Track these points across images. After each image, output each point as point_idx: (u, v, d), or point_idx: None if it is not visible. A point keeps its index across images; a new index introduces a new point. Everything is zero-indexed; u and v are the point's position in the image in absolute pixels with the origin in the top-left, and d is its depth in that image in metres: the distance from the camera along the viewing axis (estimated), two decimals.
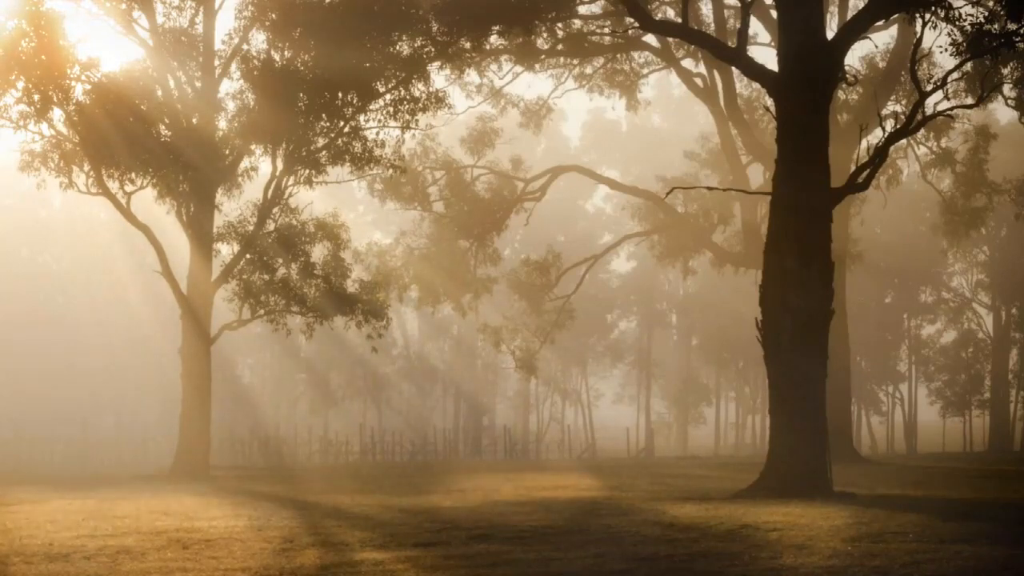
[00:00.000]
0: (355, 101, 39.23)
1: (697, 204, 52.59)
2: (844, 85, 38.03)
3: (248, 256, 40.61)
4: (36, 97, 35.80)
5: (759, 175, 52.75)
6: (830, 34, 29.61)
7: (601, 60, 51.99)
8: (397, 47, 39.64)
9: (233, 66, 40.79)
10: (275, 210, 40.58)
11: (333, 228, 42.22)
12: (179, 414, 41.80)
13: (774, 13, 33.89)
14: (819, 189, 26.50)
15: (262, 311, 40.95)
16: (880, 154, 27.15)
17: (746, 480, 27.79)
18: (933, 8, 28.09)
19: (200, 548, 16.49)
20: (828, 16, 44.65)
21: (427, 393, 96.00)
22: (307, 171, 39.72)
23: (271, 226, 40.68)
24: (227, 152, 40.16)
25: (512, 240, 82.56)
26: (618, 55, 51.73)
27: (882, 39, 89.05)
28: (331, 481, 35.13)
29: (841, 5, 50.56)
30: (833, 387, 34.22)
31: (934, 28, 29.49)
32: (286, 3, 38.91)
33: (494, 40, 44.77)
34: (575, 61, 51.41)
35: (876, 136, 40.01)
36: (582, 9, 47.37)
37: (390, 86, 39.95)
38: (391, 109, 39.94)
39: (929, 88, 30.06)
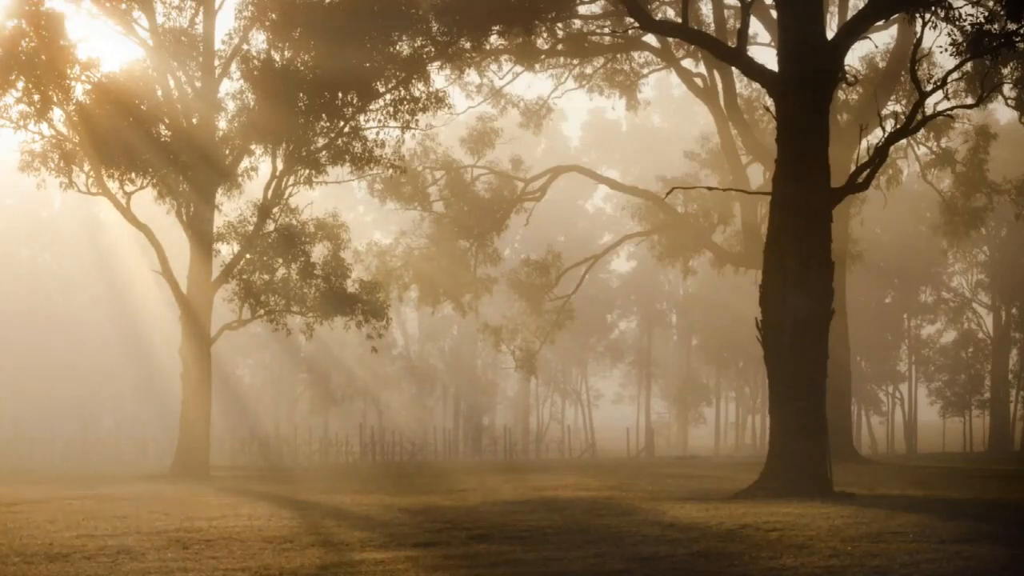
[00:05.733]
0: (355, 101, 39.25)
1: (697, 204, 52.58)
2: (844, 85, 38.01)
3: (248, 256, 40.60)
4: (36, 97, 35.86)
5: (759, 175, 52.73)
6: (830, 34, 29.62)
7: (601, 60, 51.96)
8: (397, 47, 39.66)
9: (233, 66, 40.78)
10: (275, 210, 40.57)
11: (333, 228, 42.22)
12: (179, 414, 41.80)
13: (774, 13, 33.89)
14: (819, 189, 26.49)
15: (262, 311, 40.93)
16: (880, 154, 27.15)
17: (746, 480, 27.78)
18: (933, 8, 28.09)
19: (200, 548, 16.49)
20: (828, 16, 44.67)
21: (427, 393, 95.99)
22: (307, 171, 39.75)
23: (271, 226, 40.66)
24: (227, 152, 40.17)
25: (512, 240, 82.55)
26: (618, 55, 51.70)
27: (882, 39, 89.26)
28: (331, 481, 35.13)
29: (841, 5, 50.56)
30: (833, 387, 34.19)
31: (934, 28, 29.52)
32: (286, 3, 38.92)
33: (494, 40, 44.76)
34: (575, 61, 51.38)
35: (876, 136, 39.98)
36: (582, 9, 47.40)
37: (390, 86, 39.97)
38: (391, 109, 39.98)
39: (929, 88, 30.03)
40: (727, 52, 31.88)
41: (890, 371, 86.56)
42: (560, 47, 48.79)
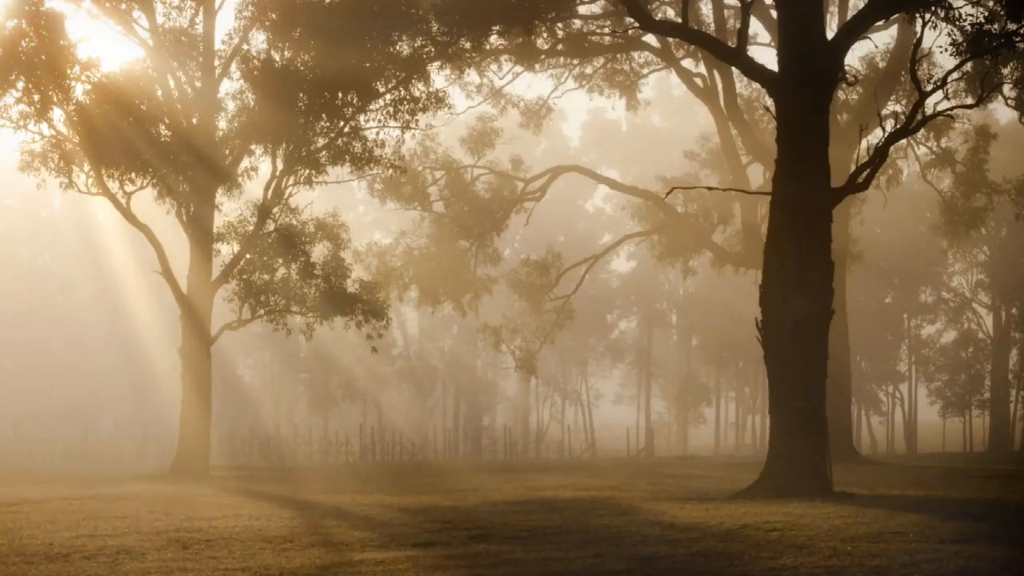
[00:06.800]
0: (355, 101, 39.24)
1: (697, 204, 52.59)
2: (844, 85, 38.01)
3: (248, 256, 40.60)
4: (36, 97, 35.84)
5: (759, 175, 52.74)
6: (830, 34, 29.63)
7: (601, 60, 51.96)
8: (397, 47, 39.66)
9: (233, 66, 40.77)
10: (275, 210, 40.56)
11: (333, 228, 42.21)
12: (179, 414, 41.79)
13: (774, 13, 33.89)
14: (819, 189, 26.50)
15: (262, 311, 40.92)
16: (880, 154, 27.15)
17: (746, 480, 27.78)
18: (933, 8, 28.09)
19: (200, 548, 16.50)
20: (828, 16, 44.68)
21: (427, 393, 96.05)
22: (307, 171, 39.73)
23: (271, 226, 40.65)
24: (227, 152, 40.15)
25: (512, 240, 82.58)
26: (618, 55, 51.70)
27: (882, 39, 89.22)
28: (331, 481, 35.13)
29: (841, 5, 50.57)
30: (833, 387, 34.20)
31: (934, 28, 29.52)
32: (286, 3, 38.91)
33: (494, 40, 44.76)
34: (575, 61, 51.38)
35: (876, 136, 40.00)
36: (582, 9, 47.41)
37: (390, 86, 39.96)
38: (391, 109, 39.97)
39: (929, 88, 30.03)
40: (727, 52, 31.88)
41: (890, 371, 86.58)
42: (560, 47, 48.79)
